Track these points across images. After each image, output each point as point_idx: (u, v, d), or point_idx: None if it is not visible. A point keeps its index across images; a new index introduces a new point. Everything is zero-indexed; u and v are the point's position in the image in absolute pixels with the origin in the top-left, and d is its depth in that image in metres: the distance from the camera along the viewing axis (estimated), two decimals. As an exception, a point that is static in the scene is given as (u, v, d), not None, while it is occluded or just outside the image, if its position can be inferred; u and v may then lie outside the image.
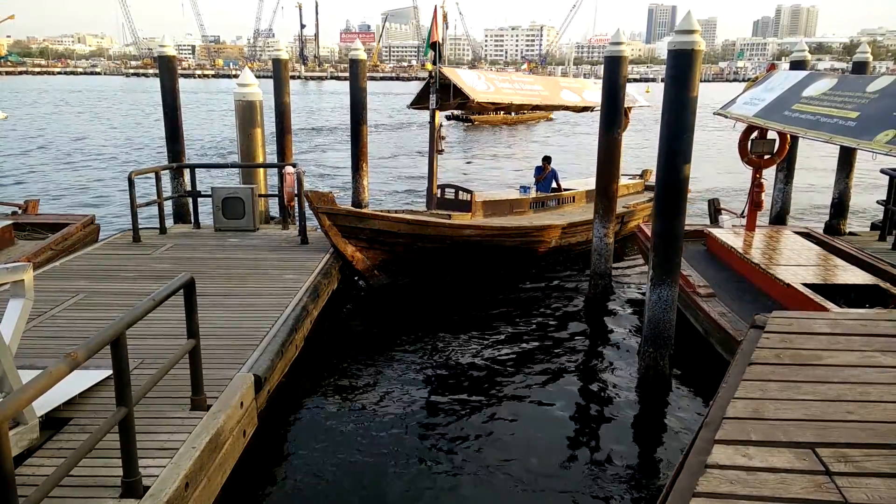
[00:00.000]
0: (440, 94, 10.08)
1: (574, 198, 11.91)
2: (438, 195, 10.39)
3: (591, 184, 13.35)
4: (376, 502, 4.75)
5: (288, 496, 4.80)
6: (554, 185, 12.10)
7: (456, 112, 14.45)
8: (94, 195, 17.95)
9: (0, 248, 8.42)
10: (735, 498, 2.57)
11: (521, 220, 10.30)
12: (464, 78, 10.10)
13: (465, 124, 41.57)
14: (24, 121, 38.82)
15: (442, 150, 10.39)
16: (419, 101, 10.84)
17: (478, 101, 9.92)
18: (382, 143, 30.82)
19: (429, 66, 10.12)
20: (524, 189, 11.66)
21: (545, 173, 12.02)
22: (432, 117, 10.18)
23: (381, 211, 9.69)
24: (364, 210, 8.68)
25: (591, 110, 12.39)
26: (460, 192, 10.30)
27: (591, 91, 12.46)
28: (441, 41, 10.16)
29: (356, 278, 9.09)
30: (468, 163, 25.57)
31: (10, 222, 8.97)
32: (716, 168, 22.84)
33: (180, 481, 3.65)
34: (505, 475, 5.06)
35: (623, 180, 12.21)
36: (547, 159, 12.10)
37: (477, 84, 10.16)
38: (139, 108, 52.62)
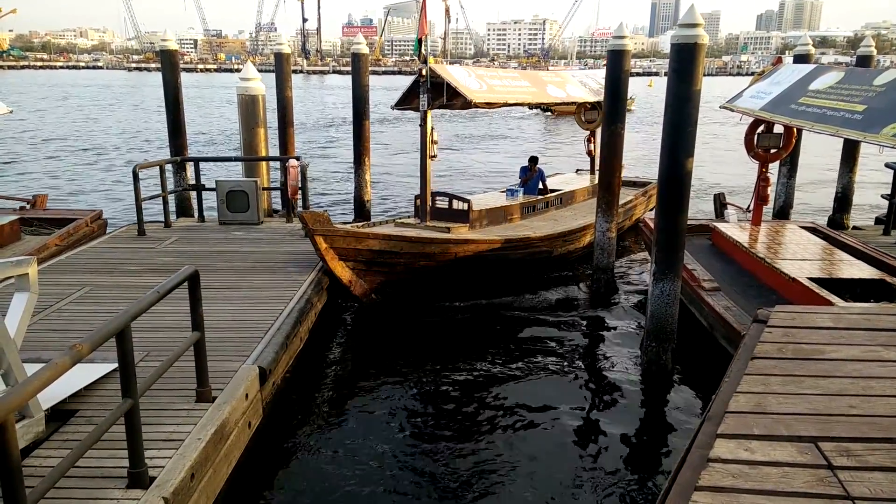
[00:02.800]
0: (430, 93, 9.13)
1: (562, 199, 11.41)
2: (430, 204, 9.56)
3: (570, 181, 13.05)
4: (382, 494, 4.77)
5: (293, 487, 4.82)
6: (540, 185, 11.49)
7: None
8: (106, 189, 17.96)
9: (6, 244, 8.44)
10: (737, 492, 2.58)
11: (526, 230, 9.59)
12: (456, 76, 9.38)
13: (546, 114, 43.37)
14: (32, 115, 38.81)
15: (435, 156, 9.50)
16: (405, 102, 9.83)
17: (474, 102, 9.22)
18: (392, 138, 30.72)
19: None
20: (510, 192, 11.06)
21: (532, 174, 11.43)
22: (423, 119, 9.23)
23: (380, 228, 9.13)
24: (362, 229, 7.98)
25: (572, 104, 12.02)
26: (455, 202, 9.49)
27: (573, 86, 11.84)
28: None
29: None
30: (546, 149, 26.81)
31: (16, 217, 8.98)
32: (720, 162, 22.75)
33: (186, 472, 3.67)
34: (506, 467, 5.08)
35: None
36: (534, 160, 11.54)
37: (470, 83, 9.44)
38: (147, 101, 52.58)
